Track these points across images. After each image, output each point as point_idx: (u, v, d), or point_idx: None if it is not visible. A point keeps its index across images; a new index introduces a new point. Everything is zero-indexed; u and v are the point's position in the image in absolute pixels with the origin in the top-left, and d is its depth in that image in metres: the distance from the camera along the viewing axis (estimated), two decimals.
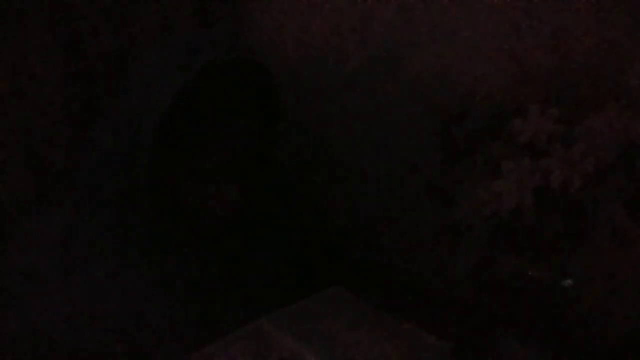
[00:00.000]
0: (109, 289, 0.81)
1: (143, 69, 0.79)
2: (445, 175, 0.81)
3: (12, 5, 1.06)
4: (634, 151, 0.72)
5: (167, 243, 0.83)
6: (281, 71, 1.21)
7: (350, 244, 1.15)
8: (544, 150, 0.73)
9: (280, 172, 1.08)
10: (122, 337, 0.81)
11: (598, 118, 0.72)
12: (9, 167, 1.10)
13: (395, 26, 1.02)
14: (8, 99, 1.09)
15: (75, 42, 1.11)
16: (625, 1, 0.80)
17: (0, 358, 0.81)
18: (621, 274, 0.87)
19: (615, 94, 0.77)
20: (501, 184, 0.74)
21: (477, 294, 0.89)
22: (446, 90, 0.96)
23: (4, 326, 0.81)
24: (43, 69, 1.10)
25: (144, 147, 0.74)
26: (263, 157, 0.82)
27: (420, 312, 0.83)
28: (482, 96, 0.83)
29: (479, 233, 0.79)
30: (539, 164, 0.73)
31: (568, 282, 0.80)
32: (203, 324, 0.84)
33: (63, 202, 0.86)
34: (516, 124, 0.75)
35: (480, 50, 0.93)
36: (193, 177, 0.77)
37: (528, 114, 0.74)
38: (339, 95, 1.13)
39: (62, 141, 1.13)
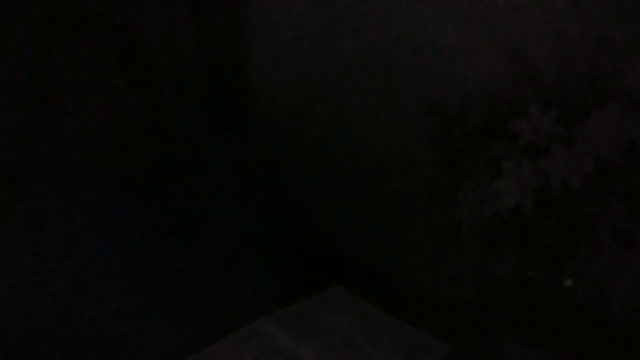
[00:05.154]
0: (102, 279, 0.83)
1: None
2: (445, 175, 0.81)
3: None
4: (634, 151, 0.72)
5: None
6: (278, 69, 1.21)
7: (350, 244, 1.15)
8: (544, 150, 0.73)
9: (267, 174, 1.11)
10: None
11: (598, 118, 0.72)
12: None
13: (395, 25, 1.02)
14: None
15: None
16: (624, 2, 0.80)
17: None
18: (621, 274, 0.87)
19: (615, 94, 0.77)
20: (501, 184, 0.74)
21: (477, 294, 0.89)
22: (446, 90, 0.96)
23: None
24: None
25: None
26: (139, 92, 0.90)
27: (420, 312, 0.83)
28: (482, 96, 0.83)
29: (479, 233, 0.79)
30: (539, 164, 0.73)
31: (568, 282, 0.80)
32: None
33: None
34: (516, 124, 0.75)
35: (481, 49, 0.93)
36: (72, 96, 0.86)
37: (528, 114, 0.74)
38: (337, 94, 1.13)
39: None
